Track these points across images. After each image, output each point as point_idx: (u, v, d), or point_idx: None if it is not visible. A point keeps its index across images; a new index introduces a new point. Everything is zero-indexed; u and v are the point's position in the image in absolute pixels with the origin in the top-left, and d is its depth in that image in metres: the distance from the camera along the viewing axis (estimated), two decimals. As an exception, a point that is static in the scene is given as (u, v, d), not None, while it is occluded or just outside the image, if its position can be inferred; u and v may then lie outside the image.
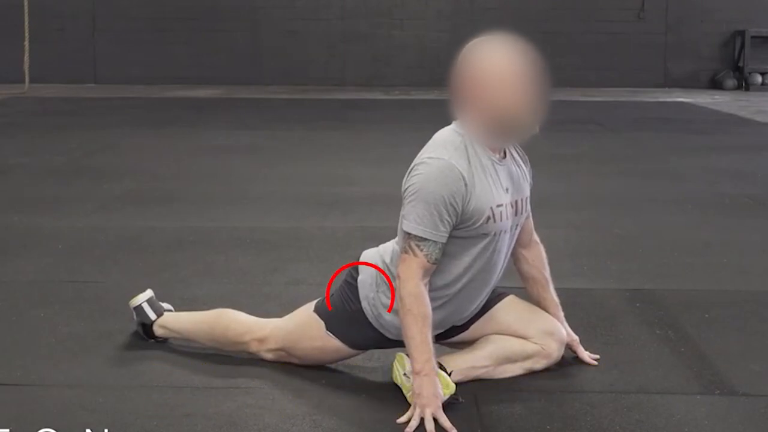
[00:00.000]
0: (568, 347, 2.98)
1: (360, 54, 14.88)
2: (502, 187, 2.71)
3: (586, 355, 3.00)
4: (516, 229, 2.81)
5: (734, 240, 4.79)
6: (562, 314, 2.99)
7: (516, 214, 2.78)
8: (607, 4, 15.01)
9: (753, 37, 14.67)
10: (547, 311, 2.95)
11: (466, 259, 2.71)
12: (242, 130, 9.32)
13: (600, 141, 8.61)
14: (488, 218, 2.67)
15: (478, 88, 2.64)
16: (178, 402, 2.70)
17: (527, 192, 2.85)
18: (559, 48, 14.52)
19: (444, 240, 2.63)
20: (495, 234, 2.71)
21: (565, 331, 2.94)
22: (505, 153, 2.78)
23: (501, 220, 2.71)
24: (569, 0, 15.03)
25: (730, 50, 15.00)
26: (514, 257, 2.95)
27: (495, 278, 2.82)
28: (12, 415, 2.59)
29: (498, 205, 2.69)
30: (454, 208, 2.62)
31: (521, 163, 2.86)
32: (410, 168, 2.69)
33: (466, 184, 2.62)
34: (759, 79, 14.41)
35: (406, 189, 2.66)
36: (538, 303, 2.97)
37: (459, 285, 2.74)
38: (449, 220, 2.62)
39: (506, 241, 2.77)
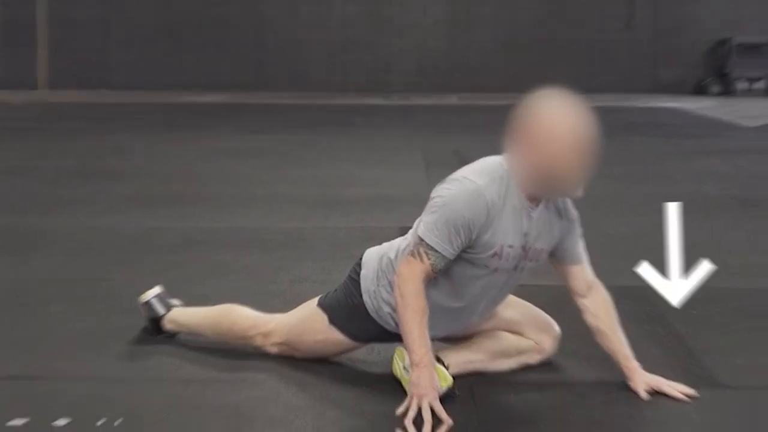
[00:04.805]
0: (656, 391, 2.78)
1: (361, 61, 14.97)
2: (521, 231, 2.71)
3: (679, 394, 2.77)
4: (520, 271, 2.81)
5: (719, 240, 4.90)
6: (634, 364, 2.82)
7: (525, 258, 2.78)
8: (598, 14, 15.12)
9: (738, 45, 14.80)
10: (618, 363, 2.85)
11: (459, 282, 2.76)
12: (249, 134, 9.41)
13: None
14: (495, 254, 2.70)
15: (534, 139, 2.62)
16: (188, 394, 2.77)
17: (546, 245, 2.79)
18: (551, 55, 14.60)
19: (452, 257, 2.67)
20: (495, 270, 2.75)
21: (559, 329, 3.00)
22: (539, 203, 2.75)
23: (506, 260, 2.73)
24: (561, 10, 15.14)
25: (715, 58, 15.13)
26: (579, 307, 2.90)
27: (482, 309, 2.85)
28: (30, 407, 2.66)
29: (509, 246, 2.71)
30: (470, 232, 2.65)
31: (555, 220, 2.80)
32: (446, 179, 2.73)
33: (488, 216, 2.65)
34: (743, 85, 14.58)
35: (434, 198, 2.70)
36: (608, 353, 2.89)
37: (446, 304, 2.78)
38: (462, 240, 2.66)
39: (504, 279, 2.79)
